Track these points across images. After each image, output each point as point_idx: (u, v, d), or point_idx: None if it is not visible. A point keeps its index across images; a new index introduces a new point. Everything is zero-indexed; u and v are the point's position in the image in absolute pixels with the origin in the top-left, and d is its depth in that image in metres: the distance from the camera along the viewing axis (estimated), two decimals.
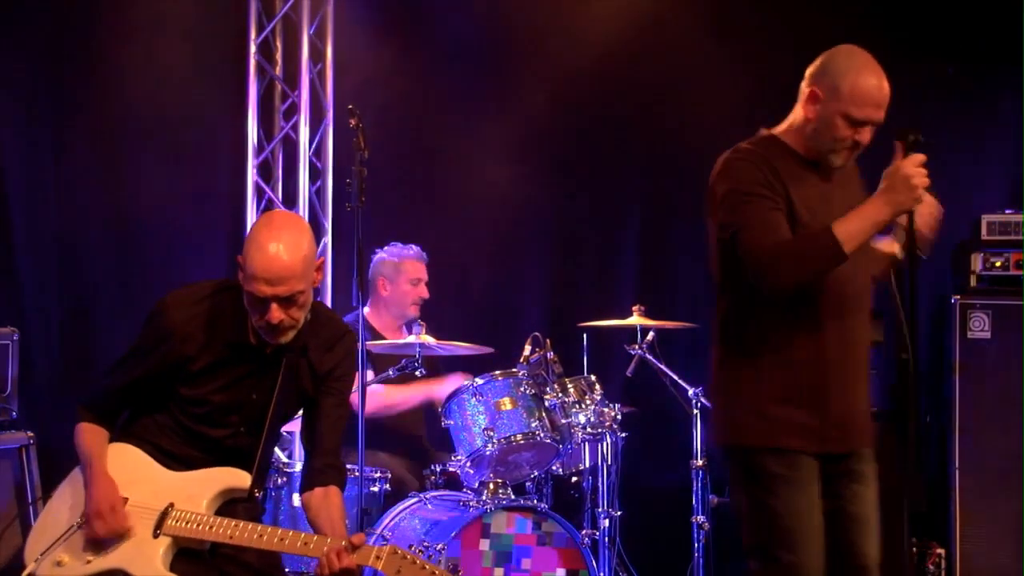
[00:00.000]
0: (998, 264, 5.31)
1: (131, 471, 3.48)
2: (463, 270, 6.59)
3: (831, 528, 3.42)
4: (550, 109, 6.61)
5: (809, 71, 3.39)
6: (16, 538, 4.55)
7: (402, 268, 5.71)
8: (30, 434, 4.90)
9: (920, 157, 3.18)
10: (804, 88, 3.39)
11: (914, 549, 5.33)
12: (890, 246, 3.48)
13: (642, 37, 6.45)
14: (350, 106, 5.03)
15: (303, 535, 3.33)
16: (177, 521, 3.39)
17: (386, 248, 5.81)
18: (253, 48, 6.45)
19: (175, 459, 3.50)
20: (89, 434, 3.52)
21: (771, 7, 6.38)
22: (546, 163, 6.77)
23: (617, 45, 6.48)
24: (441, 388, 5.34)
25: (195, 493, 3.44)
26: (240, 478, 3.47)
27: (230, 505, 3.46)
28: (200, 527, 3.37)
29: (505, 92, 6.65)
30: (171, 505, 3.41)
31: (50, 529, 3.46)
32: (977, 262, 5.41)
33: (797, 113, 3.42)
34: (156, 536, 3.38)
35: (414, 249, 5.79)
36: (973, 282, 5.45)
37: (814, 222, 3.29)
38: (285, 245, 3.31)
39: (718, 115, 6.25)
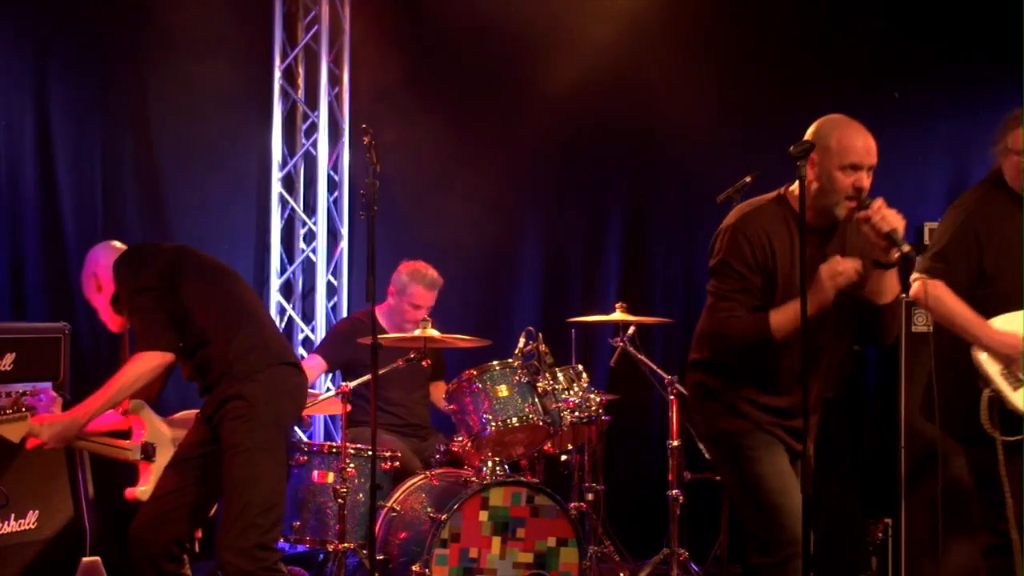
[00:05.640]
0: None
1: None
2: (465, 271, 6.54)
3: None
4: (542, 128, 6.65)
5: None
6: (68, 509, 4.49)
7: (409, 290, 5.58)
8: None
9: (838, 263, 3.40)
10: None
11: (866, 519, 5.36)
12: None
13: (624, 59, 6.48)
14: (364, 125, 4.84)
15: None
16: None
17: (412, 264, 5.67)
18: (278, 74, 6.53)
19: None
20: None
21: (741, 28, 6.42)
22: (539, 177, 6.79)
23: (602, 68, 6.48)
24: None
25: None
26: None
27: None
28: None
29: (503, 111, 6.70)
30: None
31: None
32: None
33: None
34: None
35: (429, 277, 5.63)
36: None
37: (789, 285, 3.49)
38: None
39: (691, 133, 6.32)
